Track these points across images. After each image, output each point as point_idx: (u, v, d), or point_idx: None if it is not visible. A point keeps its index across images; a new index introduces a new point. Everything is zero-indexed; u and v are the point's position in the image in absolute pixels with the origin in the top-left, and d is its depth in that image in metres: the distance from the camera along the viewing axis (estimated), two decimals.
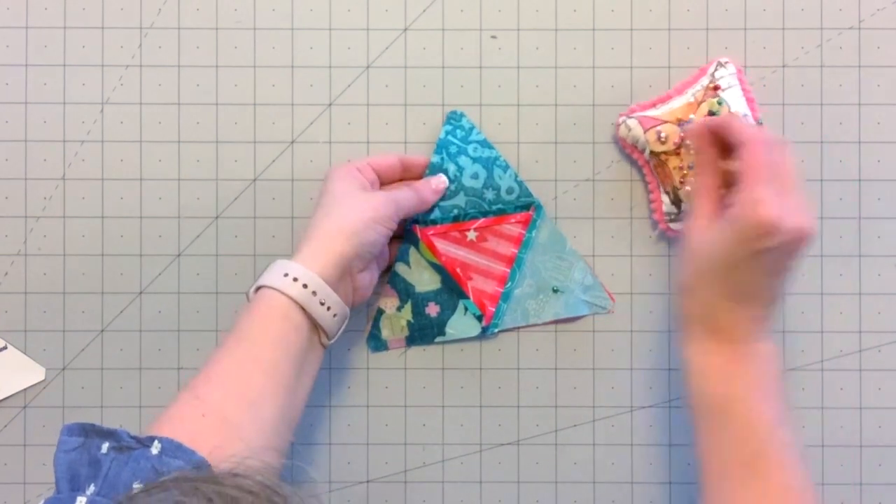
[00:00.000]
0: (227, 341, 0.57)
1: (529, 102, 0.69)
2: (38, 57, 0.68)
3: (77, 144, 0.69)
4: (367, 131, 0.69)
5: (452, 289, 0.68)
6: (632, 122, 0.66)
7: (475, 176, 0.68)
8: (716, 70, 0.66)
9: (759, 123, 0.66)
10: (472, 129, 0.68)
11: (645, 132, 0.65)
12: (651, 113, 0.66)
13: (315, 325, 0.59)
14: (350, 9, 0.69)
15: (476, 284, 0.67)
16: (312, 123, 0.69)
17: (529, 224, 0.68)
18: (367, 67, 0.69)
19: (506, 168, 0.68)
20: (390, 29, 0.69)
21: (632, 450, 0.69)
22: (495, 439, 0.69)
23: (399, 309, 0.68)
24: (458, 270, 0.67)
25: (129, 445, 0.48)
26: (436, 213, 0.67)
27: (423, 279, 0.68)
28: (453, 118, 0.68)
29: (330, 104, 0.69)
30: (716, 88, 0.65)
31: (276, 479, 0.39)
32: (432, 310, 0.68)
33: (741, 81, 0.66)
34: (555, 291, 0.69)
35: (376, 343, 0.69)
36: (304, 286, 0.57)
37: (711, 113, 0.64)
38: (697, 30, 0.68)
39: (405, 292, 0.68)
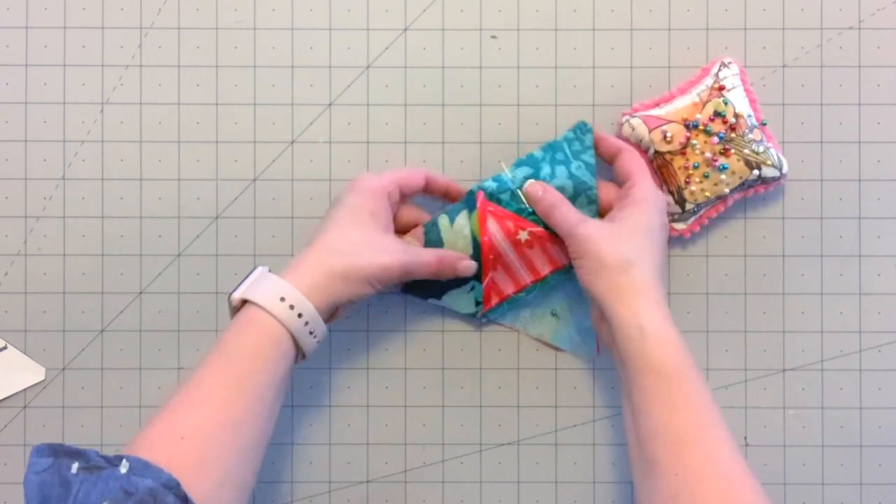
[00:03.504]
0: (212, 361, 0.56)
1: (529, 102, 0.69)
2: (38, 57, 0.68)
3: (77, 144, 0.69)
4: (367, 131, 0.69)
5: None
6: (636, 122, 0.66)
7: (561, 190, 0.65)
8: (719, 70, 0.66)
9: (763, 124, 0.66)
10: (588, 148, 0.66)
11: (650, 132, 0.65)
12: (655, 112, 0.66)
13: (297, 350, 0.58)
14: (350, 9, 0.69)
15: (497, 277, 0.67)
16: (312, 123, 0.69)
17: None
18: (367, 67, 0.69)
19: (592, 201, 0.66)
20: (390, 29, 0.69)
21: None
22: (495, 439, 0.69)
23: None
24: (491, 257, 0.65)
25: (98, 465, 0.49)
26: (506, 197, 0.65)
27: (456, 245, 0.65)
28: (580, 129, 0.67)
29: (330, 104, 0.69)
30: (721, 89, 0.65)
31: None
32: None
33: (743, 82, 0.66)
34: (552, 315, 0.69)
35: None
36: (300, 315, 0.57)
37: (717, 113, 0.64)
38: (697, 30, 0.68)
39: (431, 244, 0.65)
